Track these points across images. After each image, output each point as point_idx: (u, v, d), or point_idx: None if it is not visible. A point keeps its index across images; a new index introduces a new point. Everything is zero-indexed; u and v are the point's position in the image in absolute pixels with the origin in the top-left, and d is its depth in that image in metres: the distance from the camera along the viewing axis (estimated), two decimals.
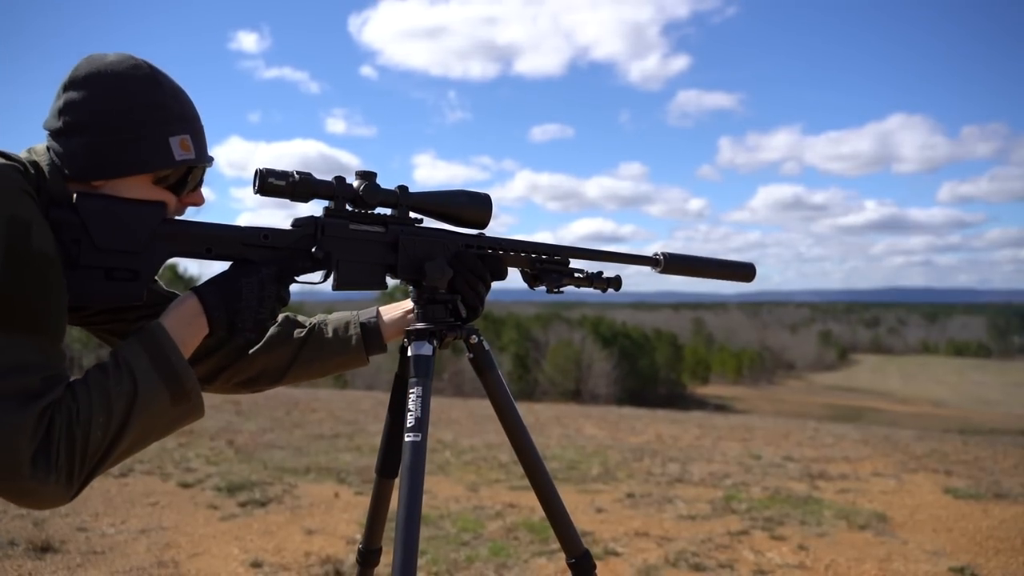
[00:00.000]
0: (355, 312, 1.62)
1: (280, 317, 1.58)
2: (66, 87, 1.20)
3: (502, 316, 65.05)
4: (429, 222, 1.45)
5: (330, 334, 1.58)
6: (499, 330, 60.41)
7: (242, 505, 5.51)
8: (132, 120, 1.19)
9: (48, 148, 1.20)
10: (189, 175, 1.29)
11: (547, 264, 1.53)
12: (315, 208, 1.38)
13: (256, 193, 1.27)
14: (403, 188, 1.40)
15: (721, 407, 52.67)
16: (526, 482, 6.07)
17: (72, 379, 1.10)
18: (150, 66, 1.24)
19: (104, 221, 1.17)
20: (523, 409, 14.28)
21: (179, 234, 1.25)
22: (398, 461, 1.58)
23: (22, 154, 1.20)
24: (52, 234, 1.11)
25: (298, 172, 1.28)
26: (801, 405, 58.88)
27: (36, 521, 4.84)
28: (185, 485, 6.12)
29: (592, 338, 59.24)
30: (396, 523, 1.32)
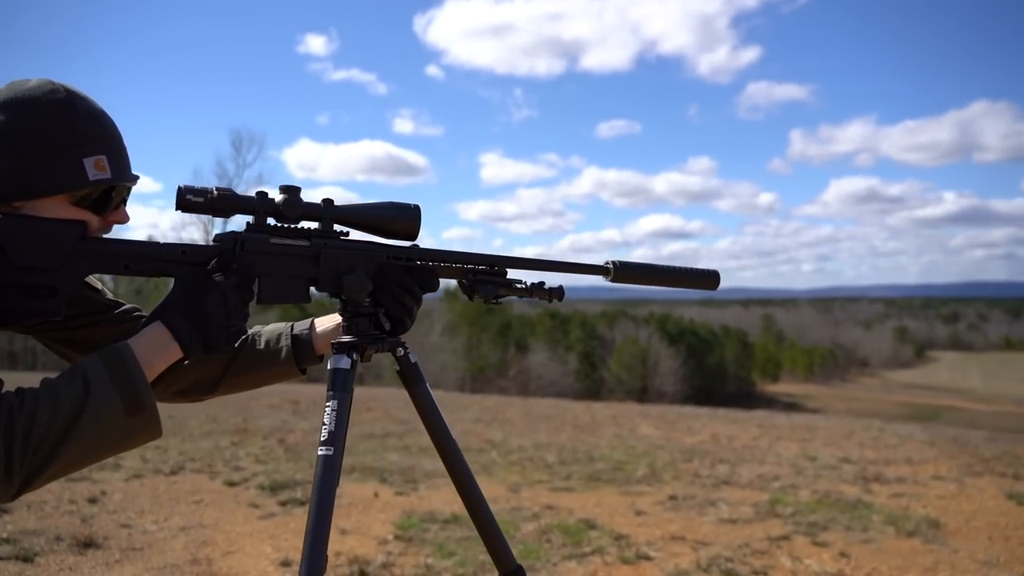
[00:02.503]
0: (290, 323, 1.61)
1: None
2: None
3: (568, 314, 64.92)
4: (363, 236, 1.43)
5: (261, 346, 1.57)
6: (565, 328, 60.33)
7: (282, 504, 5.59)
8: (46, 143, 1.21)
9: None
10: (112, 194, 1.30)
11: (481, 275, 1.49)
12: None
13: (177, 210, 1.27)
14: (327, 201, 1.38)
15: (792, 405, 51.62)
16: (568, 483, 6.08)
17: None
18: (67, 90, 1.26)
19: (21, 240, 1.20)
20: (581, 408, 14.30)
21: (97, 251, 1.26)
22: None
23: None
24: None
25: (218, 188, 1.28)
26: (875, 404, 57.29)
27: (84, 517, 5.00)
28: (231, 483, 6.24)
29: (658, 335, 58.69)
30: (304, 536, 1.29)
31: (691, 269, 1.61)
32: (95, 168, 1.24)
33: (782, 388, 74.10)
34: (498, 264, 1.49)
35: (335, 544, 4.63)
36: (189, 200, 1.27)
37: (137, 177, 1.34)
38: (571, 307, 77.67)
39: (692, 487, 6.61)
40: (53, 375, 1.12)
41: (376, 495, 6.01)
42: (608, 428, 11.77)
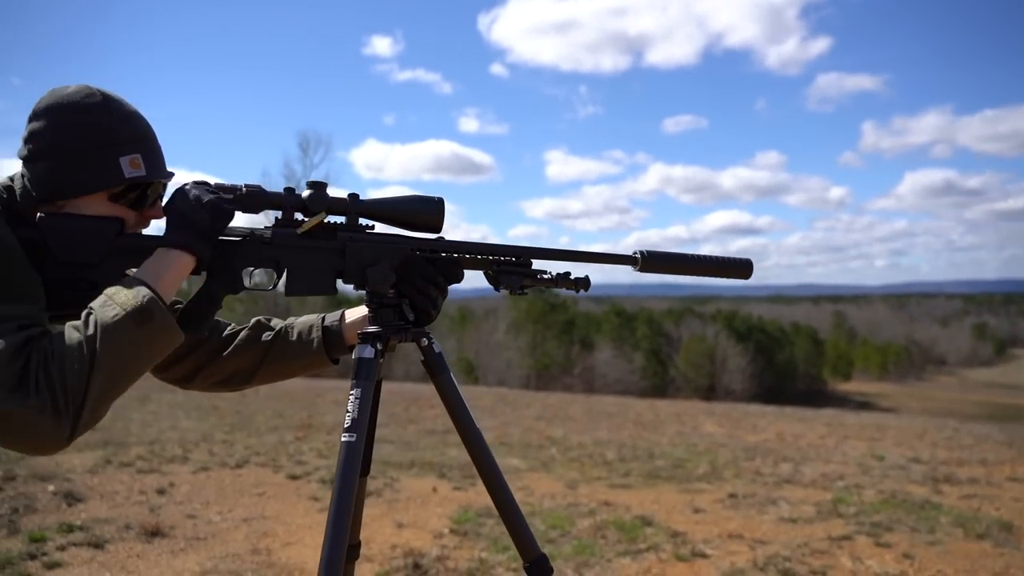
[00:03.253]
0: (322, 315, 1.65)
1: (251, 321, 1.64)
2: (30, 118, 1.31)
3: (634, 311, 64.45)
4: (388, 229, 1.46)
5: (294, 337, 1.62)
6: (631, 325, 59.90)
7: None
8: (84, 144, 1.28)
9: (23, 174, 1.32)
10: (148, 191, 1.36)
11: (505, 266, 1.50)
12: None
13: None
14: (353, 196, 1.42)
15: (864, 404, 50.33)
16: (627, 480, 6.03)
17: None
18: (103, 94, 1.32)
19: (63, 237, 1.27)
20: (644, 406, 14.20)
21: (134, 246, 1.32)
22: (367, 459, 1.60)
23: (4, 179, 1.33)
24: (13, 235, 1.20)
25: (247, 185, 1.33)
26: (952, 403, 55.40)
27: (152, 507, 5.17)
28: (293, 477, 6.37)
29: (726, 333, 57.80)
30: (327, 519, 1.33)
31: (723, 258, 1.59)
32: (130, 166, 1.31)
33: (854, 387, 72.28)
34: (522, 255, 1.50)
35: (392, 537, 4.70)
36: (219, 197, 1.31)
37: (172, 174, 1.40)
38: (637, 304, 77.11)
39: (753, 485, 6.51)
40: None
41: (434, 490, 6.07)
42: (671, 426, 11.67)
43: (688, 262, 1.56)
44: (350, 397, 1.36)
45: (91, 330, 1.13)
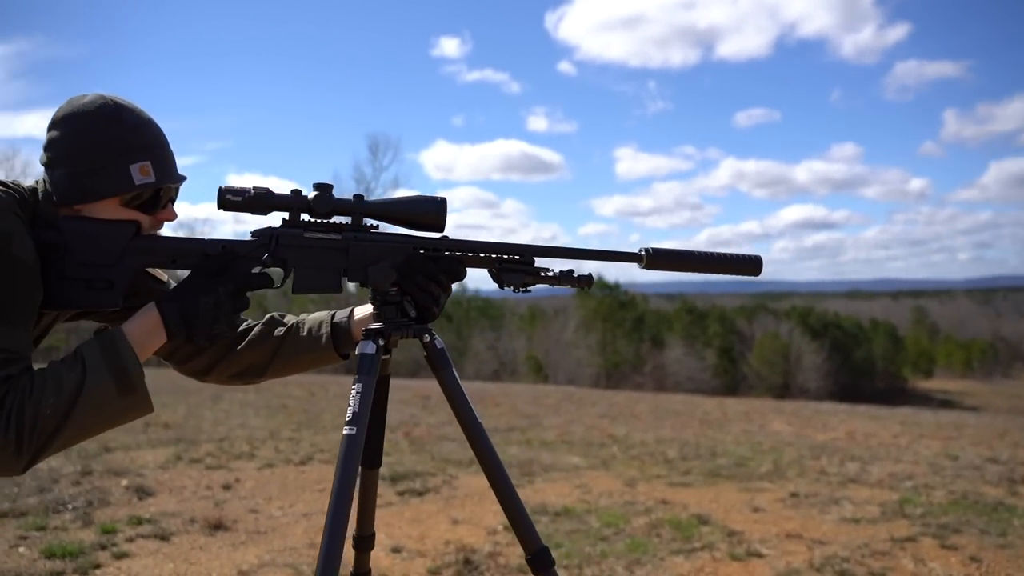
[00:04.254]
0: (332, 312, 1.71)
1: (266, 317, 1.69)
2: (49, 127, 1.40)
3: (705, 309, 63.57)
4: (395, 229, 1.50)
5: (304, 333, 1.68)
6: (702, 323, 59.12)
7: (400, 494, 5.77)
8: (96, 152, 1.36)
9: (44, 179, 1.40)
10: (160, 195, 1.44)
11: (507, 264, 1.52)
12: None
13: (218, 208, 1.39)
14: (358, 197, 1.47)
15: (946, 403, 48.64)
16: (687, 478, 5.98)
17: (35, 366, 1.25)
18: (116, 103, 1.40)
19: (81, 239, 1.35)
20: (712, 404, 13.99)
21: (148, 248, 1.41)
22: (377, 453, 1.64)
23: (31, 182, 1.42)
24: (33, 245, 1.28)
25: (255, 188, 1.40)
26: None
27: (217, 502, 5.34)
28: None
29: (800, 330, 56.56)
30: (328, 510, 1.37)
31: (731, 255, 1.58)
32: (140, 173, 1.37)
33: (937, 384, 69.91)
34: (525, 253, 1.52)
35: (446, 533, 4.76)
36: (228, 199, 1.39)
37: (183, 178, 1.46)
38: (709, 301, 75.99)
39: (816, 484, 6.37)
40: None
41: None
42: (738, 424, 11.49)
43: (695, 259, 1.55)
44: (352, 391, 1.41)
45: (75, 388, 1.22)
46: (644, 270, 1.54)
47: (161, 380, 15.01)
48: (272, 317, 1.71)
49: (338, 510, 1.35)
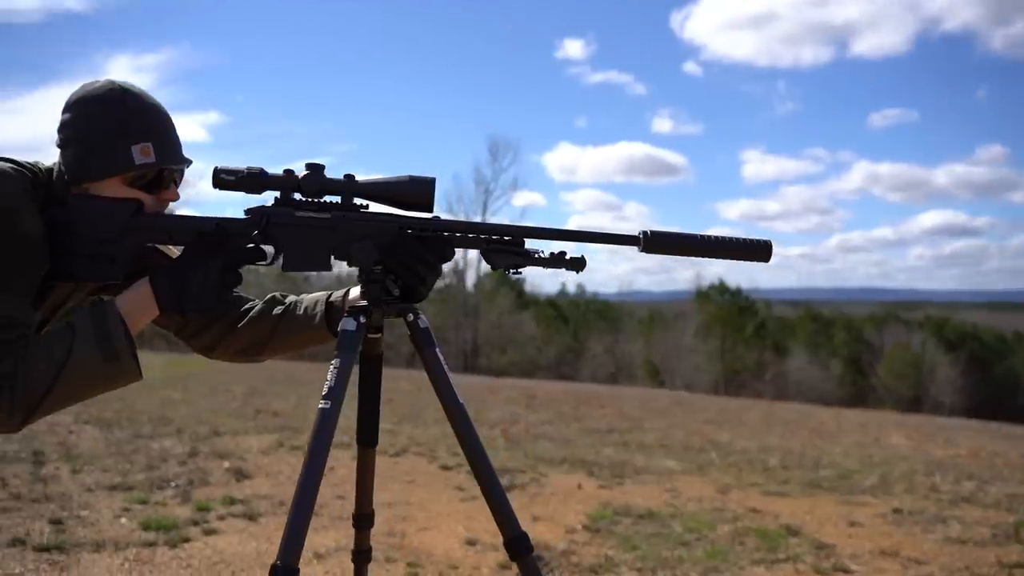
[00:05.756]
0: (328, 292, 1.74)
1: (267, 296, 1.74)
2: (63, 110, 1.50)
3: (832, 316, 61.25)
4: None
5: (300, 312, 1.73)
6: (828, 331, 56.98)
7: None
8: (100, 134, 1.45)
9: (59, 160, 1.50)
10: (163, 176, 1.51)
11: (496, 245, 1.51)
12: None
13: (214, 187, 1.45)
14: (349, 176, 1.49)
15: None
16: (783, 488, 5.77)
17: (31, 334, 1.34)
18: (122, 89, 1.49)
19: (86, 216, 1.44)
20: (829, 415, 13.44)
21: (148, 225, 1.48)
22: (373, 431, 1.67)
23: (47, 163, 1.51)
24: (40, 221, 1.36)
25: (249, 168, 1.44)
26: None
27: None
28: (445, 467, 6.59)
29: (935, 341, 53.64)
30: (298, 481, 1.39)
31: (737, 239, 1.50)
32: (141, 154, 1.45)
33: None
34: (515, 234, 1.50)
35: (524, 529, 4.74)
36: (223, 179, 1.46)
37: (186, 160, 1.54)
38: (836, 309, 73.17)
39: (924, 501, 6.02)
40: None
41: (579, 486, 6.07)
42: (851, 436, 11.00)
43: (697, 243, 1.49)
44: (330, 367, 1.44)
45: (64, 354, 1.30)
46: (643, 254, 1.49)
47: (277, 371, 15.67)
48: (273, 296, 1.77)
49: (307, 481, 1.39)
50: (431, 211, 1.49)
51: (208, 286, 1.42)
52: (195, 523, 4.47)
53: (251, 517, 4.68)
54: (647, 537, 4.67)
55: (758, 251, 1.50)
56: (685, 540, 4.65)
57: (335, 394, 1.41)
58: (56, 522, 4.35)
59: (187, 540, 4.18)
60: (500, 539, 4.65)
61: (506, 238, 1.50)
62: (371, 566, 4.04)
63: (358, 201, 1.50)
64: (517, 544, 1.53)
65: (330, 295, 1.73)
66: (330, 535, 4.45)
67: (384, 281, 1.51)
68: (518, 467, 6.70)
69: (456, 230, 1.51)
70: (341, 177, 1.48)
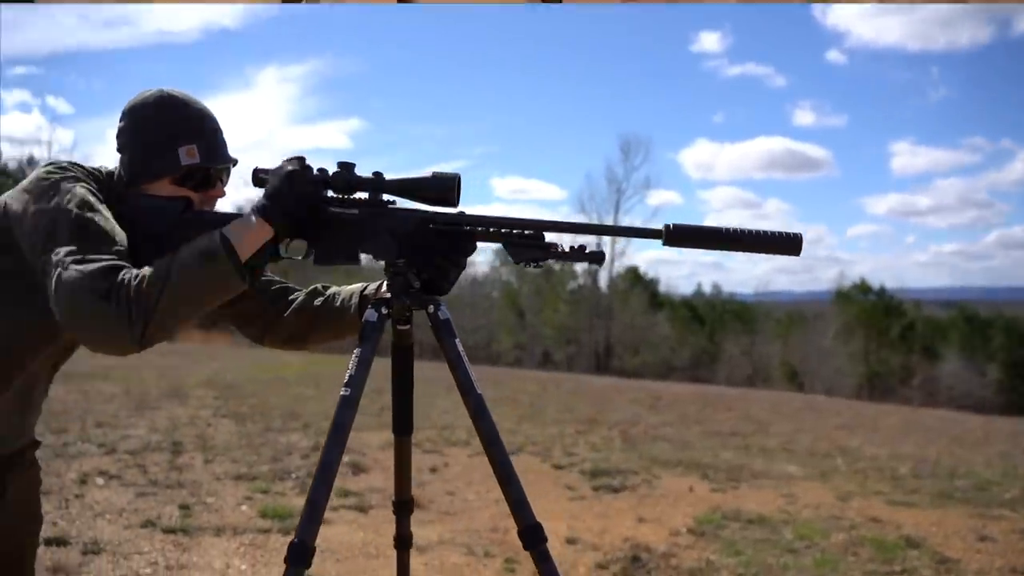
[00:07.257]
0: (364, 284, 1.82)
1: (310, 287, 1.84)
2: (120, 118, 1.63)
3: (989, 317, 57.40)
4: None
5: (337, 303, 1.80)
6: (985, 333, 53.42)
7: (595, 489, 5.81)
8: (149, 138, 1.58)
9: (119, 163, 1.65)
10: (210, 175, 1.63)
11: (514, 239, 1.53)
12: None
13: (253, 186, 1.56)
14: (377, 174, 1.57)
15: None
16: (911, 498, 5.56)
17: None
18: (171, 96, 1.61)
19: (139, 214, 1.57)
20: (977, 422, 12.67)
21: (195, 221, 1.58)
22: (408, 420, 1.73)
23: (112, 166, 1.65)
24: (106, 205, 1.52)
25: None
26: None
27: (420, 483, 5.67)
28: (558, 467, 6.63)
29: None
30: (316, 467, 1.46)
31: (765, 232, 1.45)
32: (186, 155, 1.57)
33: None
34: (536, 228, 1.52)
35: (628, 530, 4.72)
36: (260, 178, 1.56)
37: (232, 159, 1.66)
38: (995, 309, 68.44)
39: None
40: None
41: (691, 489, 5.98)
42: (999, 445, 10.31)
43: (723, 236, 1.46)
44: (352, 356, 1.50)
45: (168, 263, 1.39)
46: (664, 246, 1.46)
47: None
48: (315, 288, 1.86)
49: (324, 471, 1.46)
50: (455, 206, 1.54)
51: (300, 194, 1.49)
52: None
53: (362, 509, 4.87)
54: (753, 543, 4.56)
55: (788, 244, 1.46)
56: (794, 547, 4.50)
57: (355, 382, 1.49)
58: (184, 507, 4.68)
59: None
60: (603, 539, 4.67)
61: (527, 232, 1.53)
62: (471, 559, 4.16)
63: (386, 197, 1.57)
64: (530, 532, 1.57)
65: (365, 287, 1.80)
66: (435, 529, 4.59)
67: (407, 274, 1.57)
68: (631, 468, 6.65)
69: (478, 224, 1.56)
70: (370, 175, 1.56)
